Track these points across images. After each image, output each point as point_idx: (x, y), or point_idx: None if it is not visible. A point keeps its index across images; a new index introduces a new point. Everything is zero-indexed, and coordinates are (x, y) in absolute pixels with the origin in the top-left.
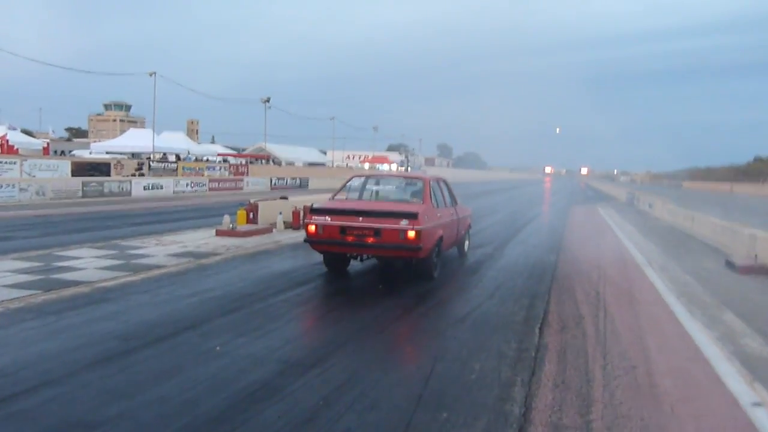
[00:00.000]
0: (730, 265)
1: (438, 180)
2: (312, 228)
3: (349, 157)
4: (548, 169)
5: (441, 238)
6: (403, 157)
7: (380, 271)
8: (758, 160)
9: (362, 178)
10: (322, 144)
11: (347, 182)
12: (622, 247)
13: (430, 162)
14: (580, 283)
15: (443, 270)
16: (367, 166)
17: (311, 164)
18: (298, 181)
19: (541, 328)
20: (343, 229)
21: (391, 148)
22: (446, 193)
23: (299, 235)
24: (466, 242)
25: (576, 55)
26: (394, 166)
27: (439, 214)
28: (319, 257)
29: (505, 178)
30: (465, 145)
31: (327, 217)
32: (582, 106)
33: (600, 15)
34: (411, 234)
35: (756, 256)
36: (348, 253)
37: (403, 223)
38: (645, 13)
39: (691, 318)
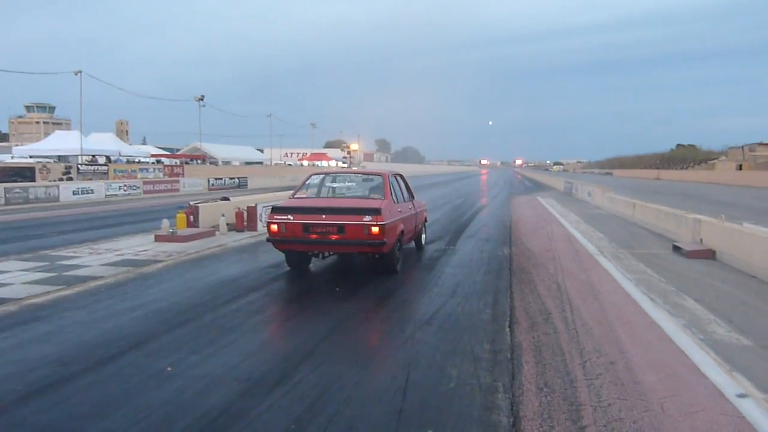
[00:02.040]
0: (677, 250)
1: (395, 175)
2: (274, 227)
3: (287, 155)
4: (484, 161)
5: (402, 232)
6: (345, 154)
7: (338, 271)
8: (680, 146)
9: (321, 176)
10: (259, 142)
11: (306, 180)
12: (571, 237)
13: (369, 157)
14: (539, 276)
15: (400, 268)
16: (305, 163)
17: (249, 163)
18: (236, 181)
19: (511, 326)
20: (307, 227)
21: (328, 145)
22: (404, 188)
23: (244, 238)
24: (423, 235)
25: (506, 50)
26: (333, 163)
27: (399, 209)
28: (267, 260)
29: (444, 171)
30: (403, 140)
31: (289, 216)
32: (513, 99)
33: (529, 10)
34: (375, 229)
35: (701, 240)
36: (311, 251)
37: (367, 218)
38: (574, 9)
39: (655, 307)
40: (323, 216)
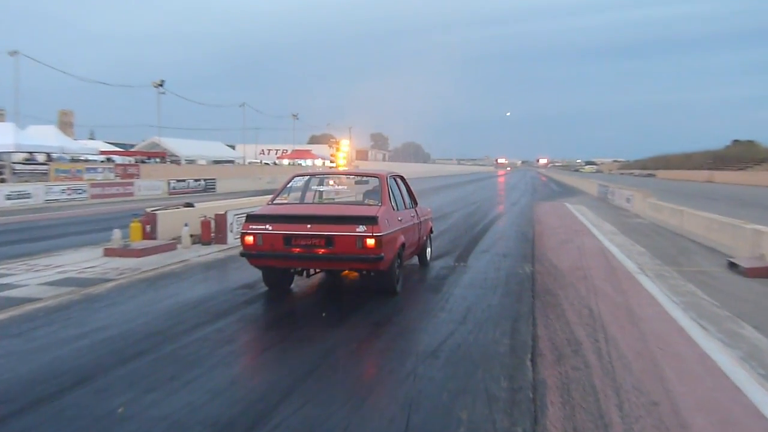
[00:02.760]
0: (733, 267)
1: (395, 177)
2: (250, 239)
3: (263, 152)
4: (501, 160)
5: (403, 246)
6: (333, 151)
7: (326, 292)
8: (736, 143)
9: (306, 177)
10: (230, 137)
11: (288, 182)
12: (605, 251)
13: (362, 155)
14: (567, 298)
15: (400, 289)
16: (286, 162)
17: (218, 162)
18: (202, 183)
19: (533, 360)
20: (288, 239)
21: (313, 141)
22: (405, 192)
23: (212, 252)
24: (428, 249)
25: (529, 26)
26: (319, 162)
27: (399, 218)
28: (240, 278)
29: (453, 172)
30: (404, 135)
31: (267, 225)
32: (536, 86)
33: None
34: (370, 242)
35: (763, 255)
36: (293, 268)
37: (360, 229)
38: None
39: (706, 335)
40: (308, 226)
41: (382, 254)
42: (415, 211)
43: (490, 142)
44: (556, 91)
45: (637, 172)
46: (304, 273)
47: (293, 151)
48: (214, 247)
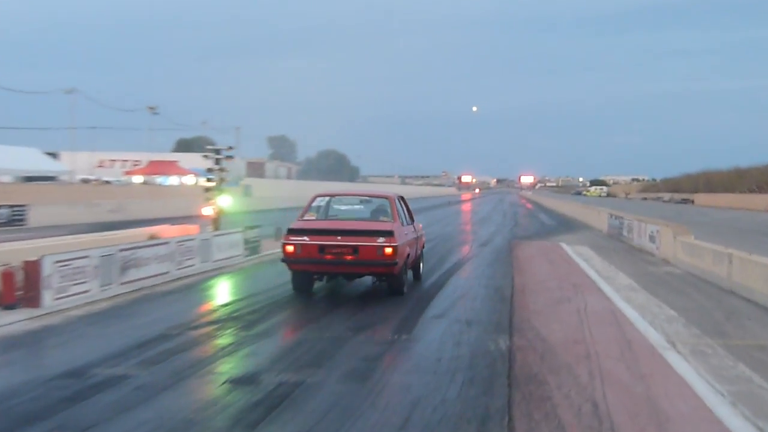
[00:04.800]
0: None
1: (399, 198)
2: (290, 248)
3: (102, 163)
4: (466, 178)
5: (408, 255)
6: (213, 164)
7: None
8: None
9: (326, 198)
10: (51, 142)
11: (311, 202)
12: (619, 316)
13: (256, 169)
14: (560, 388)
15: (321, 394)
16: (137, 179)
17: (30, 179)
18: (5, 212)
19: None
20: (322, 248)
21: (182, 146)
22: (405, 211)
23: (17, 320)
24: (421, 264)
25: None
26: (189, 179)
27: (405, 232)
28: (63, 361)
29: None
30: (320, 141)
31: (305, 237)
32: (518, 70)
33: None
34: (388, 250)
35: None
36: (324, 272)
37: (380, 240)
38: None
39: None
40: (338, 237)
41: (397, 260)
42: (414, 226)
43: (449, 153)
44: (547, 78)
45: (667, 196)
46: (323, 278)
47: (150, 162)
48: (22, 313)
